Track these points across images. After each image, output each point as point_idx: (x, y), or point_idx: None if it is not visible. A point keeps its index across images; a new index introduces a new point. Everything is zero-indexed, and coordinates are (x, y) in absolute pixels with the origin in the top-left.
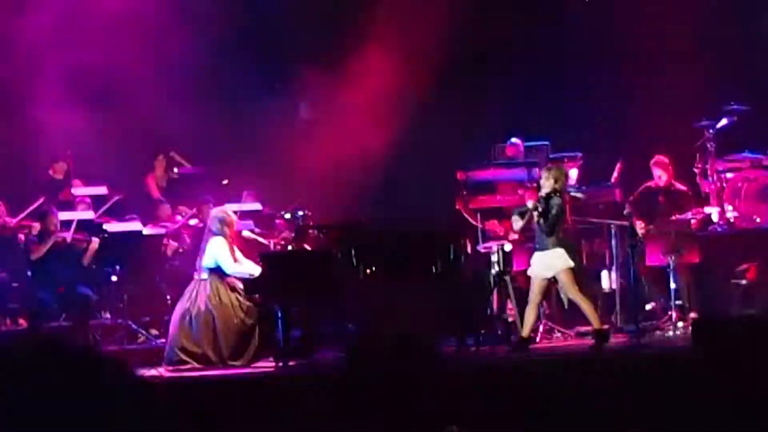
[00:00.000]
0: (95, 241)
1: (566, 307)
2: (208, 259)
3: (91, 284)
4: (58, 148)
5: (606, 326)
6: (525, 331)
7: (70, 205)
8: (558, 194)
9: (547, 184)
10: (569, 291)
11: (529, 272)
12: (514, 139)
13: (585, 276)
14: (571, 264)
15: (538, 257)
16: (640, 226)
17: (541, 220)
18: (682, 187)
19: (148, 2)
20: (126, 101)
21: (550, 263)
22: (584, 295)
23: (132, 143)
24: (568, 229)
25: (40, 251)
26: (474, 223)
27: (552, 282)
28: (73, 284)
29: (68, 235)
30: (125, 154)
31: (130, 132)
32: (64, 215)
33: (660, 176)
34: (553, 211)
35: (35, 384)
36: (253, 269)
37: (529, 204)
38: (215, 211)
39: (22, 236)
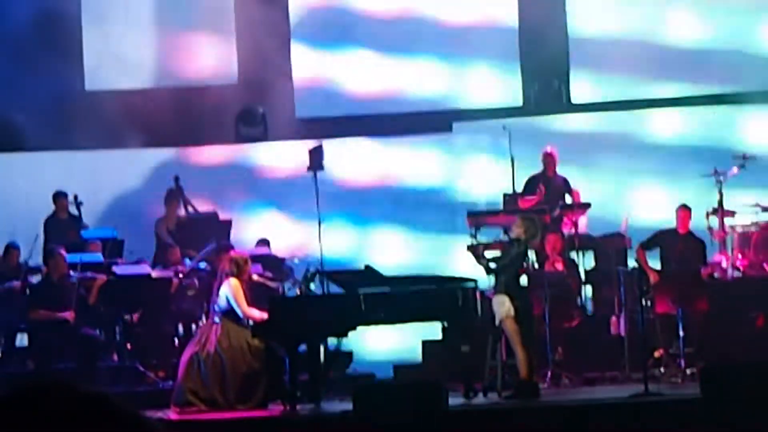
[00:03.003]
0: (101, 278)
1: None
2: (222, 301)
3: (97, 325)
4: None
5: (535, 382)
6: (522, 372)
7: (77, 246)
8: (520, 245)
9: (516, 232)
10: (511, 341)
11: None
12: (548, 148)
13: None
14: (510, 313)
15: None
16: (653, 276)
17: (491, 264)
18: (699, 237)
19: None
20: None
21: (496, 309)
22: (524, 347)
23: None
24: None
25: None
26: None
27: (562, 327)
28: (78, 325)
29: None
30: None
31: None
32: (72, 257)
33: (684, 223)
34: (505, 260)
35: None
36: (262, 315)
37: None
38: (232, 255)
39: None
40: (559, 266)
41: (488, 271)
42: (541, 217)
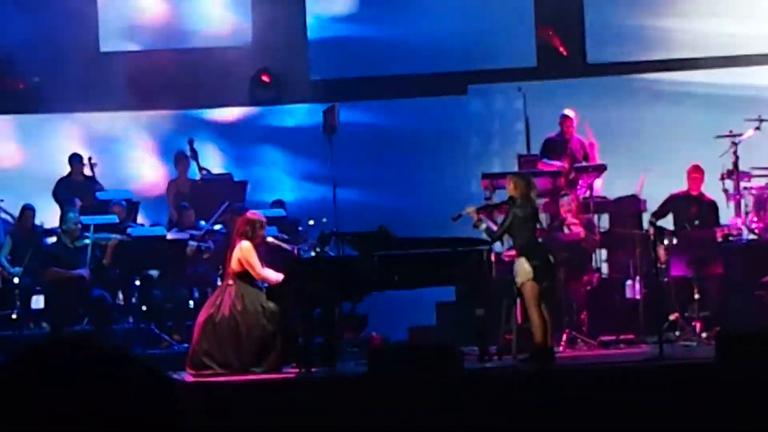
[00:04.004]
0: (114, 240)
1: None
2: (235, 263)
3: (110, 287)
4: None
5: (550, 346)
6: (536, 338)
7: (93, 208)
8: (514, 202)
9: (508, 189)
10: (526, 303)
11: None
12: (567, 111)
13: (555, 285)
14: (528, 277)
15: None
16: (666, 241)
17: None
18: (711, 198)
19: None
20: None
21: (516, 272)
22: (540, 312)
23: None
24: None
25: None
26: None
27: (573, 288)
28: (89, 287)
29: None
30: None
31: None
32: (87, 219)
33: (697, 185)
34: (505, 222)
35: (62, 386)
36: (277, 276)
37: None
38: (248, 216)
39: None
40: (575, 229)
41: (489, 235)
42: (529, 175)
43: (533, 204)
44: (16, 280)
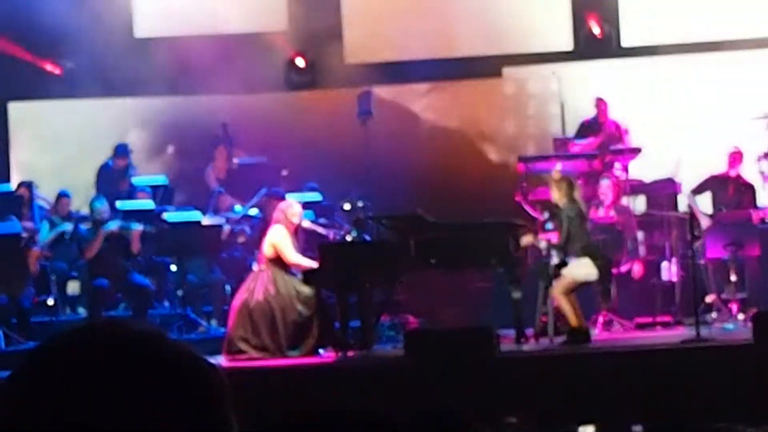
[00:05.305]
0: (137, 229)
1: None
2: (268, 248)
3: (148, 273)
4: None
5: (586, 328)
6: (571, 322)
7: (128, 194)
8: (561, 208)
9: (555, 197)
10: (557, 288)
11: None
12: (601, 94)
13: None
14: (589, 278)
15: (570, 262)
16: (705, 221)
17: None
18: (749, 181)
19: None
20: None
21: (573, 268)
22: (570, 298)
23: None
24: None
25: (92, 249)
26: (534, 215)
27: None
28: (128, 273)
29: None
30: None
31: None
32: (122, 205)
33: (736, 167)
34: (564, 224)
35: (99, 373)
36: (310, 263)
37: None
38: (283, 201)
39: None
40: (611, 212)
41: (555, 249)
42: (571, 176)
43: (578, 204)
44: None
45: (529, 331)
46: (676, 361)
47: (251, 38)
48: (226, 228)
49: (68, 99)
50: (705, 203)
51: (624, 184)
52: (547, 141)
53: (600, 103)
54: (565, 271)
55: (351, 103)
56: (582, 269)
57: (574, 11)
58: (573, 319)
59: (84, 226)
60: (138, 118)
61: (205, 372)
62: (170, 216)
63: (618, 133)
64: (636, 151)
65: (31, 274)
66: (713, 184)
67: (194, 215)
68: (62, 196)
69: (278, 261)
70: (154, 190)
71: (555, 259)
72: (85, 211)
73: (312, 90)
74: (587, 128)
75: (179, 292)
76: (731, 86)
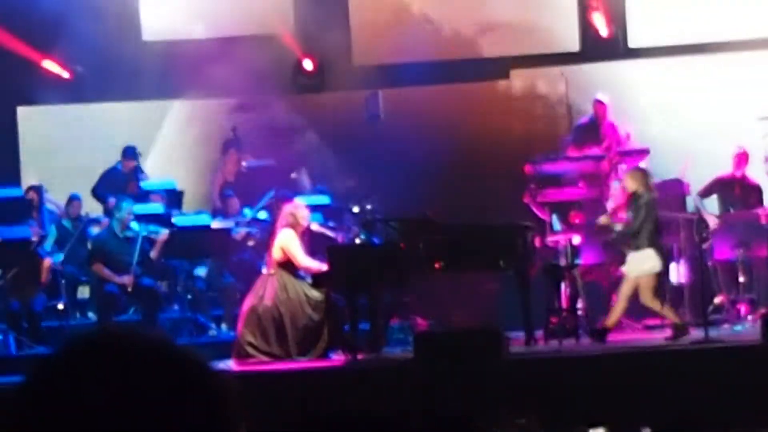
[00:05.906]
0: (164, 233)
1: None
2: (277, 252)
3: (158, 277)
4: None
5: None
6: (609, 320)
7: (137, 198)
8: (639, 195)
9: (632, 187)
10: (643, 296)
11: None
12: (600, 96)
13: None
14: (655, 269)
15: (630, 256)
16: (712, 222)
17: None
18: (755, 181)
19: None
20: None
21: (637, 264)
22: (659, 299)
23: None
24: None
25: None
26: (542, 216)
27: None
28: (139, 277)
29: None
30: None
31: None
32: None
33: (742, 167)
34: (634, 213)
35: (108, 381)
36: (320, 266)
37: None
38: (291, 204)
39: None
40: (620, 213)
41: (625, 234)
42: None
43: (654, 192)
44: (55, 261)
45: (539, 333)
46: (686, 362)
47: (259, 41)
48: (237, 231)
49: (77, 103)
50: (712, 205)
51: None
52: (554, 142)
53: (598, 105)
54: (628, 270)
55: (359, 106)
56: (647, 262)
57: (581, 12)
58: (613, 320)
59: (94, 229)
60: (147, 121)
61: (212, 378)
62: (180, 219)
63: (617, 134)
64: (644, 152)
65: (43, 282)
66: (719, 186)
67: (204, 219)
68: (73, 199)
69: (287, 265)
70: (163, 194)
71: (563, 261)
72: (94, 214)
73: (320, 92)
74: (583, 130)
75: (188, 296)
76: (738, 87)
